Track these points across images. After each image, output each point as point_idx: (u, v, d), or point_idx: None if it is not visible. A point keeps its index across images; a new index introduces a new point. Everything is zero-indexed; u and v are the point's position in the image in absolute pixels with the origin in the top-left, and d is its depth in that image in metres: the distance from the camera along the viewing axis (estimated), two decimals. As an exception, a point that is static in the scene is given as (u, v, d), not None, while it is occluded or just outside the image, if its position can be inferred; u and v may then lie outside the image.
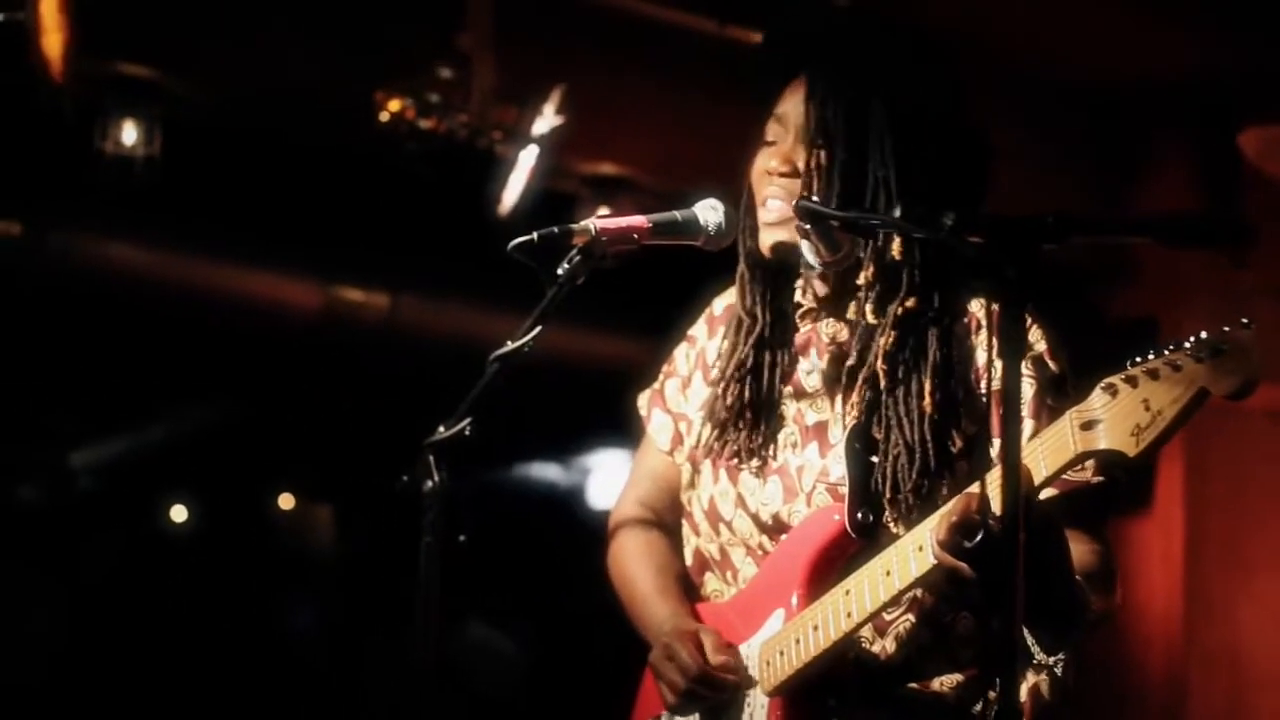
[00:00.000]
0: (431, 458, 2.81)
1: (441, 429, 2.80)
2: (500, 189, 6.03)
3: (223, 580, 9.12)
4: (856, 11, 3.07)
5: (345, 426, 8.46)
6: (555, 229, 2.80)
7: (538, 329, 2.79)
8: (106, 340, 7.29)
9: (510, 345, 2.81)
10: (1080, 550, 2.69)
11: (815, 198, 2.71)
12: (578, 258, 2.78)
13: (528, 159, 5.91)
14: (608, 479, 10.22)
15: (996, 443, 2.77)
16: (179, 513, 9.67)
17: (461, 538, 2.84)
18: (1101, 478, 2.66)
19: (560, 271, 2.79)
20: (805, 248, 2.82)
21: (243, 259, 7.00)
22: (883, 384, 2.82)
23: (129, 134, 6.02)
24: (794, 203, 2.73)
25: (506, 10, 5.84)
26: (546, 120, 5.81)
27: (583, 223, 2.81)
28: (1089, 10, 6.13)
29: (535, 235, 2.78)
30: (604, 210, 6.64)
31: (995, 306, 2.74)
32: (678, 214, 2.88)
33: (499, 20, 5.82)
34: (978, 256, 2.16)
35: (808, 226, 2.74)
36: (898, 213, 2.34)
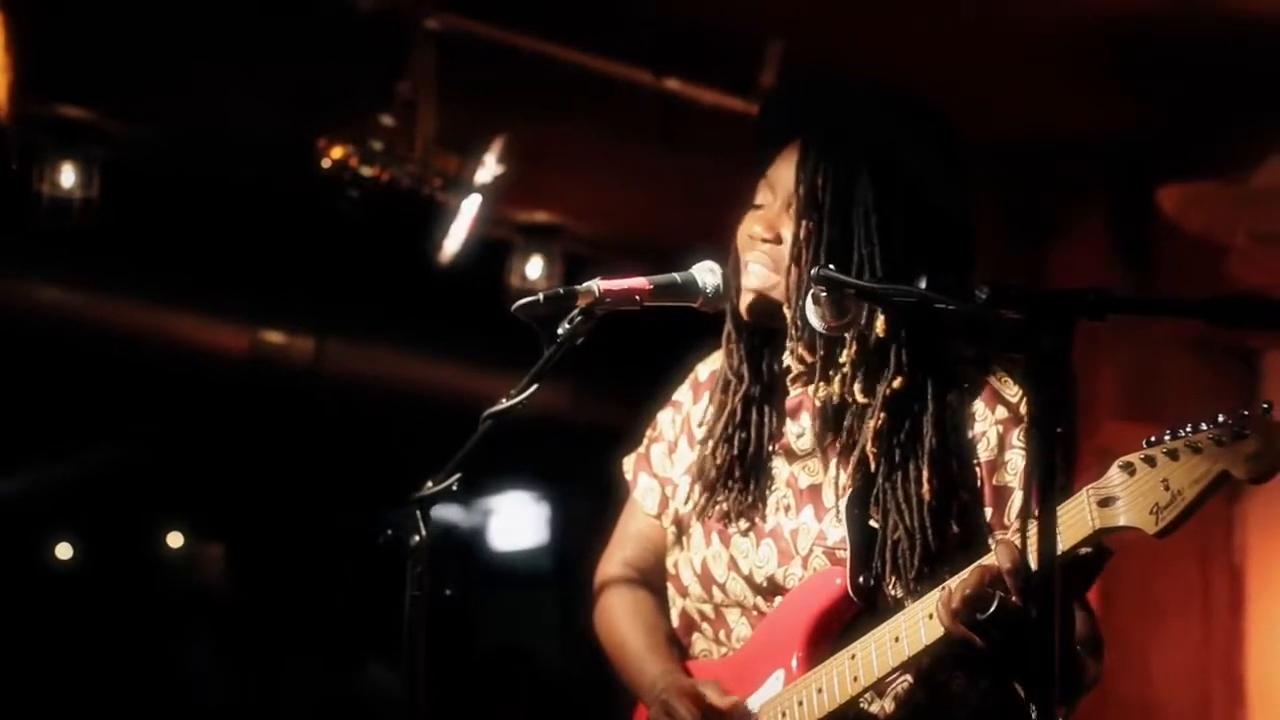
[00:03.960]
0: (418, 512, 2.84)
1: (430, 484, 2.84)
2: (442, 237, 6.07)
3: (108, 618, 9.06)
4: (857, 83, 3.10)
5: (255, 466, 8.45)
6: (561, 290, 2.83)
7: (534, 387, 2.83)
8: (31, 379, 7.25)
9: (505, 403, 2.84)
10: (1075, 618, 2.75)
11: (832, 266, 2.75)
12: (579, 318, 2.81)
13: (470, 207, 5.95)
14: (508, 521, 10.25)
15: (988, 512, 2.84)
16: (64, 550, 9.60)
17: (448, 591, 2.87)
18: (1089, 549, 2.66)
19: (560, 331, 2.82)
20: (812, 311, 2.83)
21: (170, 301, 7.01)
22: (874, 466, 2.85)
23: (67, 176, 5.99)
24: (815, 270, 2.77)
25: (447, 59, 5.88)
26: (488, 169, 5.85)
27: (586, 284, 2.84)
28: (1003, 68, 6.25)
29: (541, 297, 2.81)
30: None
31: (990, 380, 2.86)
32: (677, 276, 2.92)
33: (440, 69, 5.86)
34: (1013, 330, 2.21)
35: (824, 293, 2.80)
36: (923, 284, 2.39)
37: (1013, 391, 2.86)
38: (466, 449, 2.84)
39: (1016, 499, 2.80)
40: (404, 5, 5.75)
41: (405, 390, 7.13)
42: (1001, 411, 2.85)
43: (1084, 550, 2.66)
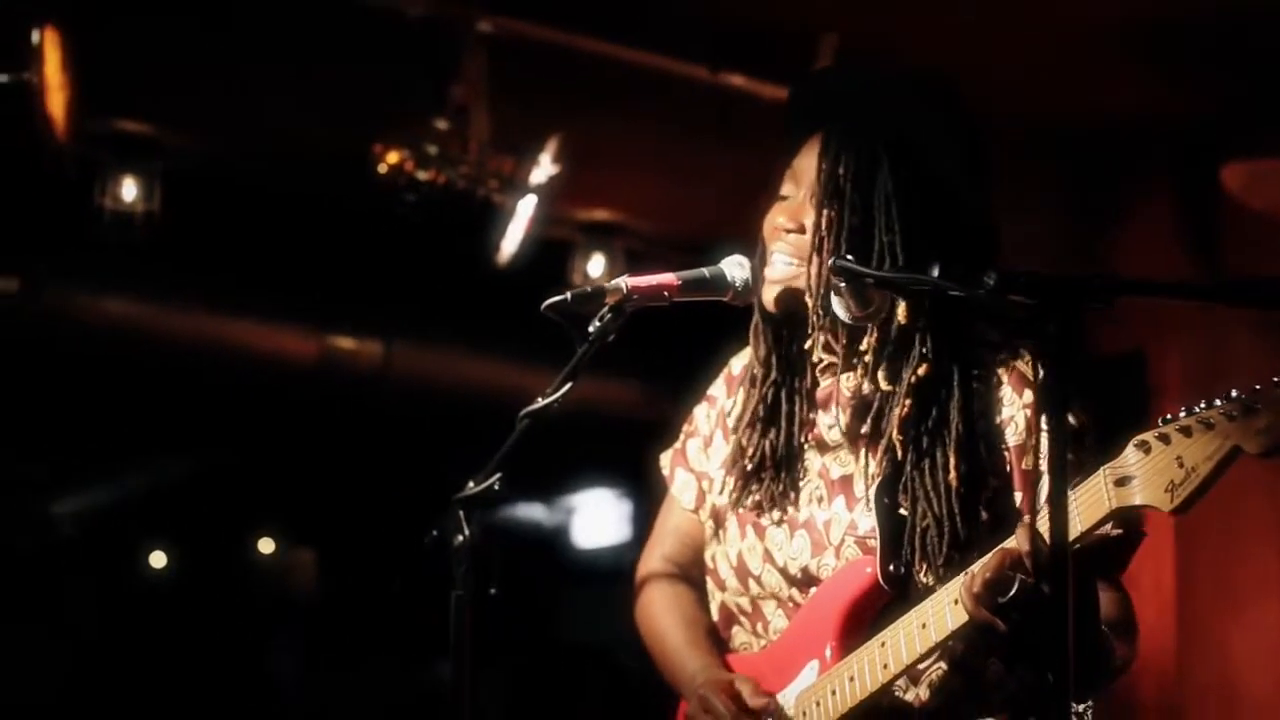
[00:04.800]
0: (461, 513, 2.85)
1: (471, 484, 2.84)
2: (499, 238, 6.10)
3: (203, 625, 9.15)
4: (882, 72, 3.09)
5: (333, 471, 8.52)
6: (589, 288, 2.82)
7: (568, 385, 2.83)
8: (104, 391, 7.34)
9: (540, 402, 2.84)
10: (1104, 600, 2.75)
11: (850, 256, 2.76)
12: (609, 315, 2.81)
13: (526, 208, 5.97)
14: (592, 518, 10.28)
15: (1018, 496, 2.83)
16: (158, 559, 9.71)
17: (493, 590, 2.88)
18: (1120, 531, 2.69)
19: (591, 329, 2.82)
20: (836, 303, 2.85)
21: (238, 310, 7.08)
22: (901, 454, 2.85)
23: (128, 190, 6.09)
24: (831, 261, 2.77)
25: (500, 61, 5.90)
26: (543, 169, 5.87)
27: (614, 281, 2.85)
28: (1065, 52, 6.20)
29: (569, 295, 2.81)
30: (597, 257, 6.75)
31: (1017, 363, 2.85)
32: (706, 271, 2.93)
33: (493, 71, 5.88)
34: (1020, 316, 2.21)
35: (843, 284, 2.80)
36: (936, 272, 2.39)
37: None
38: (505, 449, 2.85)
39: (1044, 482, 2.79)
40: (454, 9, 5.77)
41: (473, 391, 7.17)
42: (1029, 395, 2.85)
43: (1114, 532, 2.67)
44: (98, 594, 9.14)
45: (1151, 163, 6.96)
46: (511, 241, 6.09)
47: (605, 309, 2.82)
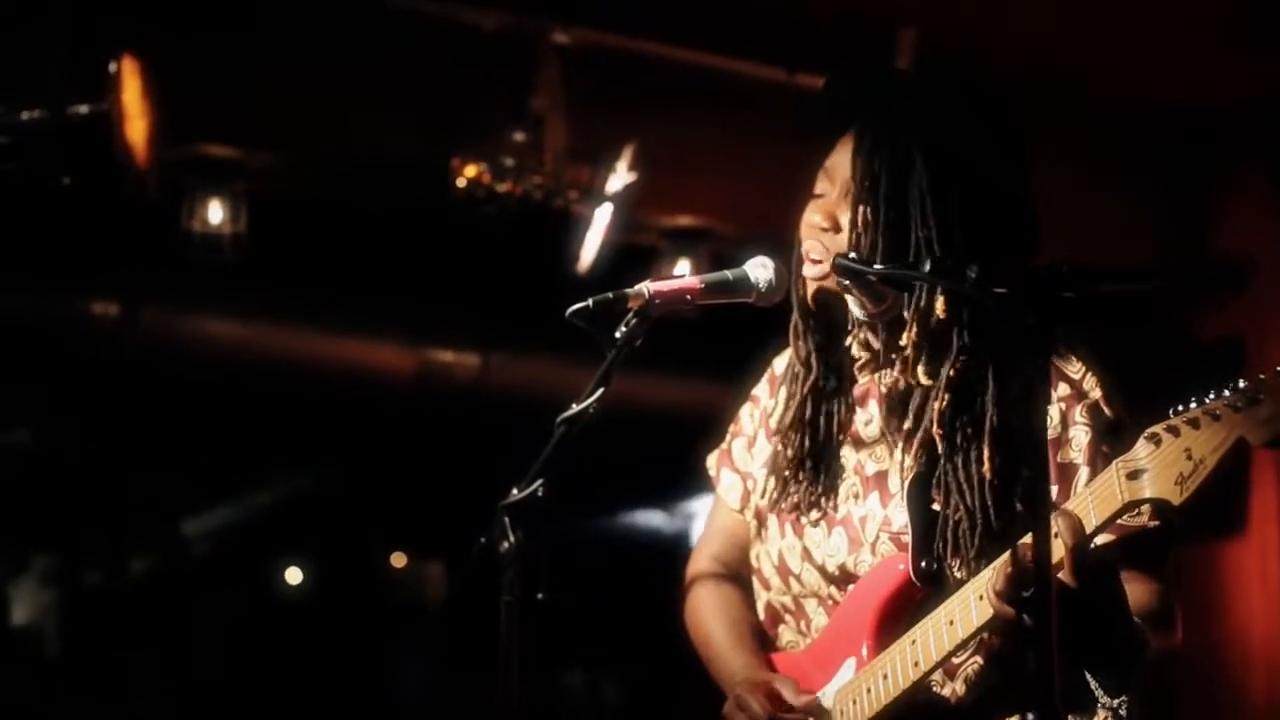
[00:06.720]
0: (507, 519, 2.89)
1: (515, 491, 2.88)
2: (578, 247, 6.14)
3: (339, 639, 9.26)
4: (916, 71, 3.11)
5: (451, 483, 8.59)
6: (610, 294, 2.85)
7: (600, 390, 2.87)
8: (207, 411, 7.46)
9: (575, 408, 2.88)
10: (1139, 591, 2.73)
11: (853, 254, 2.77)
12: (634, 320, 2.84)
13: (603, 216, 6.01)
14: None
15: (1054, 489, 2.81)
16: (294, 575, 9.86)
17: (540, 596, 2.91)
18: (1157, 521, 2.68)
19: (618, 335, 2.85)
20: (851, 301, 2.87)
21: (334, 327, 7.16)
22: (940, 447, 2.85)
23: (215, 213, 6.19)
24: (833, 260, 2.79)
25: (576, 71, 5.94)
26: (620, 177, 5.91)
27: (637, 287, 2.87)
28: (1163, 34, 6.12)
29: (591, 301, 2.84)
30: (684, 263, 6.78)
31: (1053, 358, 2.84)
32: (729, 273, 2.93)
33: (569, 81, 5.92)
34: (1000, 307, 2.21)
35: (847, 282, 2.81)
36: (927, 266, 2.40)
37: (1075, 368, 2.86)
38: (545, 456, 2.89)
39: (1082, 475, 2.78)
40: (529, 21, 5.82)
41: (572, 398, 7.18)
42: (1064, 389, 2.84)
43: (1150, 524, 2.66)
44: (237, 610, 9.29)
45: (1250, 144, 6.87)
46: (590, 250, 6.13)
47: (630, 314, 2.84)
